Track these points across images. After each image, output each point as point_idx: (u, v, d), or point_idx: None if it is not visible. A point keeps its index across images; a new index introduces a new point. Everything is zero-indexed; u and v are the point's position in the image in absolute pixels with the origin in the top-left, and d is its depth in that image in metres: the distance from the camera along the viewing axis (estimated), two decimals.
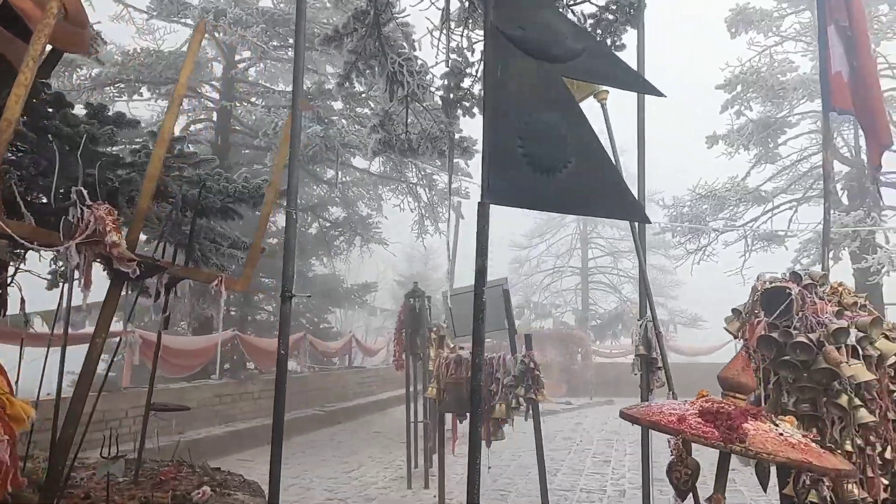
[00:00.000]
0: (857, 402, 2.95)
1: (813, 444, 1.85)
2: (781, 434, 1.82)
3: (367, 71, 6.20)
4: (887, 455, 3.21)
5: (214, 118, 15.64)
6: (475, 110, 6.09)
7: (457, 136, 6.27)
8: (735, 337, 3.38)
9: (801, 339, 3.00)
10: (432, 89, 6.19)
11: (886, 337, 4.11)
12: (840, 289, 3.59)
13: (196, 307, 14.70)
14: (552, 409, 17.87)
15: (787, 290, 3.18)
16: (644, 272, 3.67)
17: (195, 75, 15.58)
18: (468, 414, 7.60)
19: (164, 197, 4.12)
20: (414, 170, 15.98)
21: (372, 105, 15.01)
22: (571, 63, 2.10)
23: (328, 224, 19.63)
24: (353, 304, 23.88)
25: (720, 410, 1.84)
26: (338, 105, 14.02)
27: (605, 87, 3.65)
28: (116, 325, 13.87)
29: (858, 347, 3.10)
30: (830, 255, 12.91)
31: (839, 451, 2.98)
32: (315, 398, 16.13)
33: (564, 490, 8.43)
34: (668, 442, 1.95)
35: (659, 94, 2.19)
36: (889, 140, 5.43)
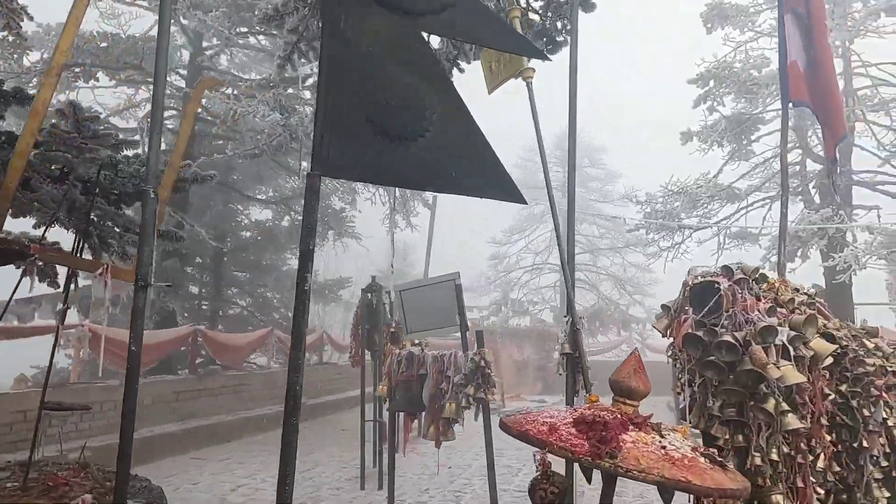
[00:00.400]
0: (785, 406, 2.72)
1: (701, 460, 1.60)
2: (664, 447, 1.57)
3: (311, 52, 5.89)
4: (820, 464, 3.00)
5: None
6: None
7: None
8: (663, 335, 3.14)
9: (727, 337, 2.76)
10: None
11: (832, 338, 3.91)
12: (777, 285, 3.37)
13: (158, 300, 14.29)
14: (526, 407, 17.71)
15: (716, 285, 2.94)
16: (564, 263, 3.42)
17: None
18: (420, 413, 7.34)
19: (60, 179, 3.80)
20: None
21: None
22: (434, 17, 1.80)
23: (300, 217, 19.27)
24: (327, 299, 23.56)
25: (596, 420, 1.59)
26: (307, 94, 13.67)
27: (530, 65, 3.38)
28: (74, 317, 13.46)
29: (790, 347, 2.88)
30: (798, 253, 12.83)
31: (766, 460, 2.76)
32: (283, 394, 15.79)
33: (522, 491, 8.20)
34: (534, 456, 1.70)
35: (543, 57, 1.92)
36: (844, 132, 5.23)
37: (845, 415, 3.79)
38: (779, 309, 3.08)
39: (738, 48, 14.05)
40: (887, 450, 3.95)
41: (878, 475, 3.89)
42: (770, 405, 2.71)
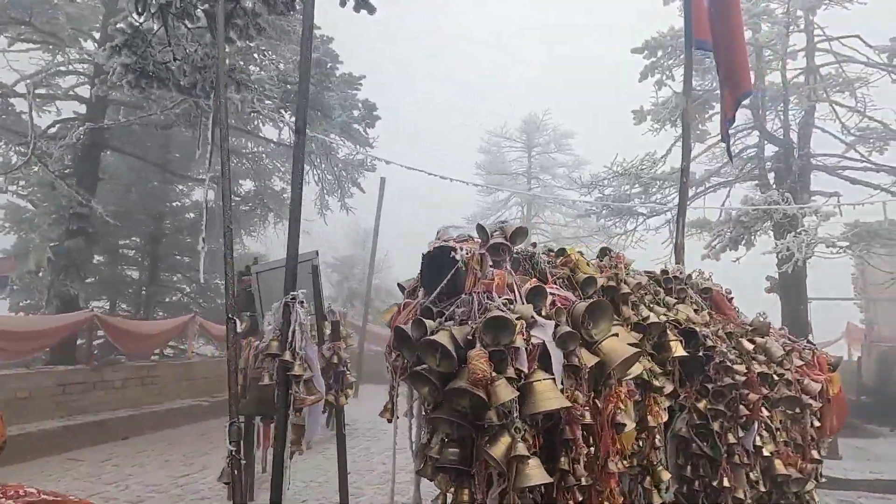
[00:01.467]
0: (522, 449, 1.67)
1: None
2: None
3: None
4: None
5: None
6: (252, 31, 4.71)
7: (228, 63, 4.85)
8: (391, 329, 2.09)
9: (440, 336, 1.71)
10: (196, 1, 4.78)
11: (694, 336, 2.94)
12: (577, 258, 2.32)
13: (57, 282, 13.03)
14: None
15: (452, 254, 1.89)
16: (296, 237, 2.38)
17: (74, 24, 13.87)
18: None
19: None
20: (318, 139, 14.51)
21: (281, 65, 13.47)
22: None
23: (237, 198, 18.08)
24: None
25: None
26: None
27: None
28: None
29: (556, 352, 1.83)
30: (743, 240, 11.85)
31: None
32: (205, 387, 14.67)
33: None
34: None
35: None
36: (748, 86, 4.21)
37: (705, 441, 2.78)
38: (561, 293, 2.04)
39: None
40: (763, 487, 2.92)
41: None
42: (500, 446, 1.66)
